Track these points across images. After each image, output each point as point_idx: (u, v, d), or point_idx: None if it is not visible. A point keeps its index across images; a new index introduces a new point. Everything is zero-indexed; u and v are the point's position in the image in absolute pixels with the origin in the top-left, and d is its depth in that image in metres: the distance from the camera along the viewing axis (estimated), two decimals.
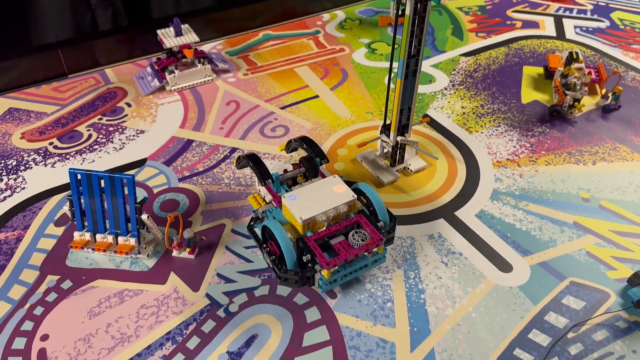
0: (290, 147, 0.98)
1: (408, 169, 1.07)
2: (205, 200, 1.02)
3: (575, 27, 1.58)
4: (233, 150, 1.14)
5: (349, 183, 0.88)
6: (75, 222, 0.90)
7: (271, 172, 0.92)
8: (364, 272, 0.83)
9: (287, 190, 0.88)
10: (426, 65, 1.40)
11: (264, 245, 0.82)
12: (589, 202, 1.01)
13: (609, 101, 1.23)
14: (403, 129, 1.01)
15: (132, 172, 1.07)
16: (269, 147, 1.14)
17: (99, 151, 1.14)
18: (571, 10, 1.67)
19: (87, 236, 0.89)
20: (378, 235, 0.79)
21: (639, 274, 0.84)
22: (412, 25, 0.87)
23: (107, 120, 1.23)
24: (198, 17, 1.52)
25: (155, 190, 1.04)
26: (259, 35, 1.57)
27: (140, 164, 1.11)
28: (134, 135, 1.18)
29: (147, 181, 1.06)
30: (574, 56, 1.22)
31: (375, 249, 0.81)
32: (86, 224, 0.89)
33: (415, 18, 0.86)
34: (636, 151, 1.12)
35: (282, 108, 1.26)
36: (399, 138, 1.01)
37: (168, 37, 1.31)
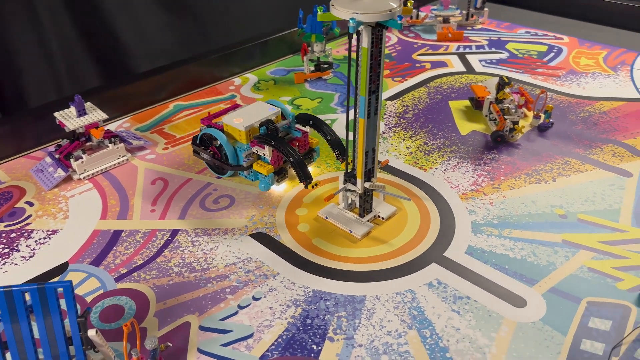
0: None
1: (379, 216, 0.97)
2: (156, 298, 0.83)
3: (480, 60, 1.64)
4: (175, 232, 0.96)
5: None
6: None
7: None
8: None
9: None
10: None
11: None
12: (567, 217, 0.97)
13: (541, 120, 1.25)
14: (369, 173, 0.92)
15: (55, 279, 0.85)
16: (216, 220, 0.99)
17: (3, 264, 0.90)
18: (470, 47, 1.74)
19: None
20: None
21: None
22: (371, 58, 0.80)
23: (5, 227, 1.00)
24: (92, 97, 1.32)
25: (89, 299, 0.83)
26: (170, 107, 1.43)
27: (61, 270, 0.89)
28: (44, 238, 0.96)
29: (76, 288, 0.85)
30: (506, 80, 1.23)
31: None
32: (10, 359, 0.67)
33: (372, 50, 0.79)
34: (586, 162, 1.13)
35: (219, 177, 1.11)
36: (367, 184, 0.91)
37: (70, 119, 1.12)
